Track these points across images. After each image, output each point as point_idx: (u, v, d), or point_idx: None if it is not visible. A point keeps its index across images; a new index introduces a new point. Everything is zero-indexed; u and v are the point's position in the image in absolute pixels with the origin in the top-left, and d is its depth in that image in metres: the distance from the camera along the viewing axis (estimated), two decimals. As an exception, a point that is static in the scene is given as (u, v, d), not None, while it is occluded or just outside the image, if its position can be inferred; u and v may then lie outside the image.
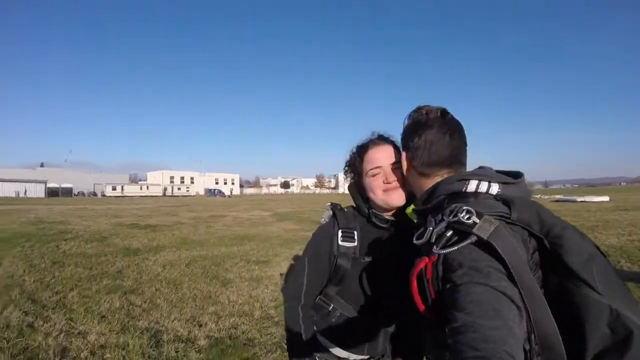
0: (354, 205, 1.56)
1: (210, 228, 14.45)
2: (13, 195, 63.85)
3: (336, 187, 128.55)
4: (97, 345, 3.58)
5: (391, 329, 1.49)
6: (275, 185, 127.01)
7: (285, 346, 1.60)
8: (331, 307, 1.50)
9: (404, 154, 1.23)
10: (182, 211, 24.42)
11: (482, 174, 1.04)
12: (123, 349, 3.52)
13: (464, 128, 1.18)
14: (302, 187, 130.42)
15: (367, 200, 1.49)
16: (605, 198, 29.48)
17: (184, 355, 3.49)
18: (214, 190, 77.66)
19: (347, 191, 1.60)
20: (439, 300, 0.86)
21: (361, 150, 1.48)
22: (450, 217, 0.88)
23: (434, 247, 0.87)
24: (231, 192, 79.61)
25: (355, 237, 1.45)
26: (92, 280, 5.98)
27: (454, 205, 0.91)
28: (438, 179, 1.11)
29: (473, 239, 0.83)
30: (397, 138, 1.45)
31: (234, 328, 4.19)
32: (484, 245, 0.83)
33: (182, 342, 3.77)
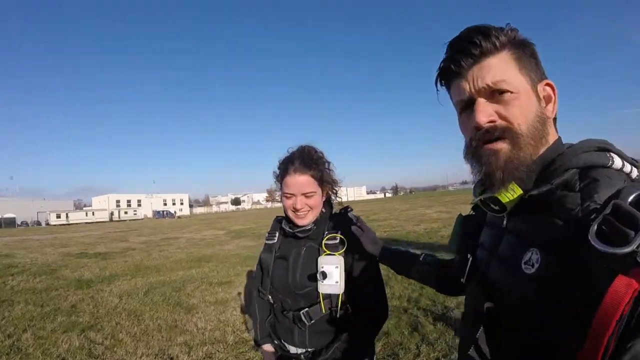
0: None
1: (164, 252, 13.86)
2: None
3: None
4: (62, 392, 3.31)
5: (313, 323, 1.58)
6: (225, 202, 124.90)
7: None
8: (268, 297, 1.70)
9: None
10: (132, 236, 23.36)
11: (614, 147, 0.76)
12: (92, 392, 3.27)
13: None
14: (254, 203, 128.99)
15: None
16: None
17: (159, 392, 3.29)
18: (163, 212, 75.34)
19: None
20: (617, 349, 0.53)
21: (282, 172, 1.64)
22: None
23: None
24: (175, 214, 77.10)
25: (276, 237, 1.75)
26: (45, 319, 5.55)
27: None
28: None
29: None
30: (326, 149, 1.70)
31: (209, 357, 4.03)
32: None
33: (155, 378, 3.56)
